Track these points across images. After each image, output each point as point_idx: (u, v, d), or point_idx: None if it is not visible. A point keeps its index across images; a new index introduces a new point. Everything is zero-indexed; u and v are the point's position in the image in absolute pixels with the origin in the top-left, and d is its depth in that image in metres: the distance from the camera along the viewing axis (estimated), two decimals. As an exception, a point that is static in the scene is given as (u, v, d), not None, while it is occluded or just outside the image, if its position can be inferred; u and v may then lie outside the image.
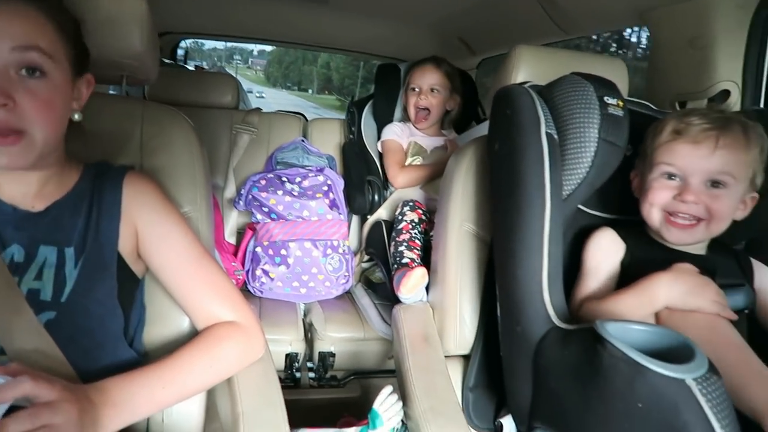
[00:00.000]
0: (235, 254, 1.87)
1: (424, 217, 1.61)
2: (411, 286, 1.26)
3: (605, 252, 0.95)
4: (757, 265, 0.96)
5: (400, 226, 1.57)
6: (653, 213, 0.91)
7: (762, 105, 1.16)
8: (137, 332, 0.90)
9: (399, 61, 2.10)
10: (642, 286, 0.85)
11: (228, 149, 2.02)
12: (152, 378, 0.74)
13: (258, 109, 2.14)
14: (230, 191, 1.99)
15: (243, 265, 1.82)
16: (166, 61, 2.88)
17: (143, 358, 0.86)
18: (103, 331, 0.78)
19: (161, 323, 0.94)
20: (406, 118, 1.94)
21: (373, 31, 2.39)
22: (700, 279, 0.85)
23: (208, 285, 0.86)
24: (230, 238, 1.98)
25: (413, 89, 1.84)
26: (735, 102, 1.14)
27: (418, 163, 1.83)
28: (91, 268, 0.78)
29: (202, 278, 0.86)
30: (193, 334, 0.85)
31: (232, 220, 1.98)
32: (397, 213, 1.65)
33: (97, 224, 0.80)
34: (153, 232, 0.84)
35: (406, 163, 1.83)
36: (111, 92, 1.84)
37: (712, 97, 1.16)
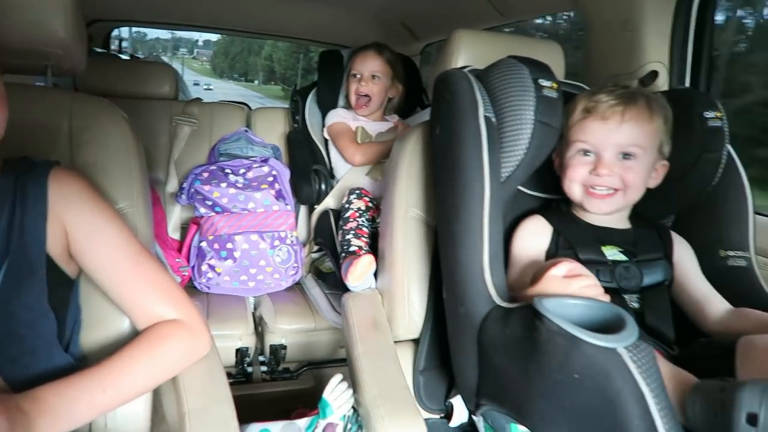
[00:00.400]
0: (180, 250, 1.81)
1: (371, 205, 1.60)
2: (358, 274, 1.26)
3: (530, 240, 0.98)
4: (677, 239, 1.01)
5: (347, 215, 1.56)
6: (574, 188, 0.96)
7: (688, 84, 1.21)
8: (73, 336, 0.86)
9: (343, 48, 2.08)
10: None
11: (168, 142, 1.95)
12: (91, 382, 0.72)
13: (198, 100, 2.07)
14: (172, 185, 1.92)
15: (188, 260, 1.76)
16: (98, 50, 2.74)
17: (81, 363, 0.83)
18: (34, 337, 0.75)
19: (99, 325, 0.90)
20: (349, 105, 1.92)
21: (316, 18, 2.36)
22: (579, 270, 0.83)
23: (147, 283, 0.83)
24: (174, 233, 1.92)
25: (354, 75, 1.82)
26: (663, 82, 1.19)
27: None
28: (17, 271, 0.73)
29: (140, 276, 0.83)
30: (134, 335, 0.82)
31: (175, 215, 1.92)
32: (343, 201, 1.64)
33: (22, 224, 0.75)
34: (83, 231, 0.80)
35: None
36: (37, 84, 1.74)
37: (642, 77, 1.21)
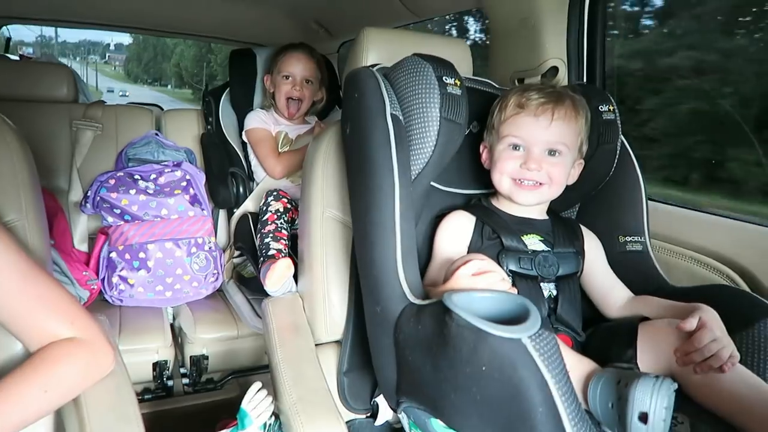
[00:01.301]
0: (88, 263, 1.70)
1: (289, 206, 1.57)
2: (276, 278, 1.23)
3: (451, 237, 1.01)
4: (587, 234, 1.08)
5: (264, 218, 1.53)
6: (503, 181, 0.99)
7: (585, 80, 1.28)
8: (-44, 364, 0.78)
9: (255, 46, 2.02)
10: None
11: (69, 148, 1.82)
12: None
13: (101, 102, 1.95)
14: (76, 194, 1.80)
15: (97, 273, 1.66)
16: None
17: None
18: None
19: (-13, 350, 0.83)
20: (267, 105, 1.87)
21: (228, 16, 2.28)
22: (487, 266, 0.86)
23: (39, 301, 0.77)
24: (81, 245, 1.80)
25: (286, 77, 1.75)
26: (563, 77, 1.25)
27: (300, 144, 1.77)
28: None
29: (31, 294, 0.76)
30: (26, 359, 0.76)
31: (81, 225, 1.81)
32: (261, 204, 1.60)
33: None
34: None
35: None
36: None
37: (544, 73, 1.26)
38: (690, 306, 0.86)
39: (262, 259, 1.42)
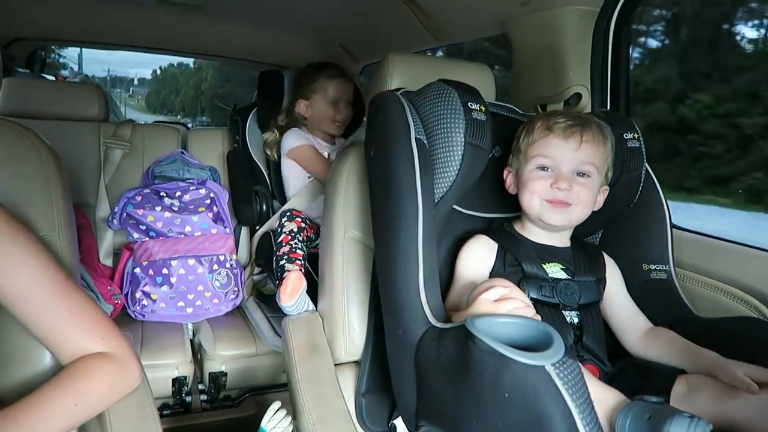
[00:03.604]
0: (112, 277, 1.73)
1: (303, 225, 1.59)
2: (289, 292, 1.22)
3: (473, 261, 1.01)
4: (609, 262, 1.07)
5: (279, 239, 1.54)
6: (534, 201, 0.98)
7: (609, 107, 1.28)
8: (-13, 374, 0.80)
9: (281, 68, 2.07)
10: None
11: (98, 165, 1.87)
12: (8, 424, 0.66)
13: (130, 121, 2.01)
14: (103, 210, 1.85)
15: (121, 288, 1.69)
16: (21, 71, 2.61)
17: (-2, 404, 0.77)
18: None
19: (18, 362, 0.84)
20: (300, 125, 1.88)
21: (254, 38, 2.34)
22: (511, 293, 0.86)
23: (71, 315, 0.79)
24: (106, 260, 1.84)
25: (336, 103, 1.79)
26: (586, 104, 1.25)
27: None
28: None
29: (64, 308, 0.78)
30: (56, 372, 0.77)
31: (107, 240, 1.84)
32: (276, 225, 1.62)
33: None
34: (0, 263, 0.75)
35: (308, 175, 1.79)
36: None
37: (567, 99, 1.27)
38: (712, 356, 0.87)
39: (278, 282, 1.43)
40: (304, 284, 1.24)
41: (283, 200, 1.86)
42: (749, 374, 0.80)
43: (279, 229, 1.57)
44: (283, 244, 1.52)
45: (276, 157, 1.88)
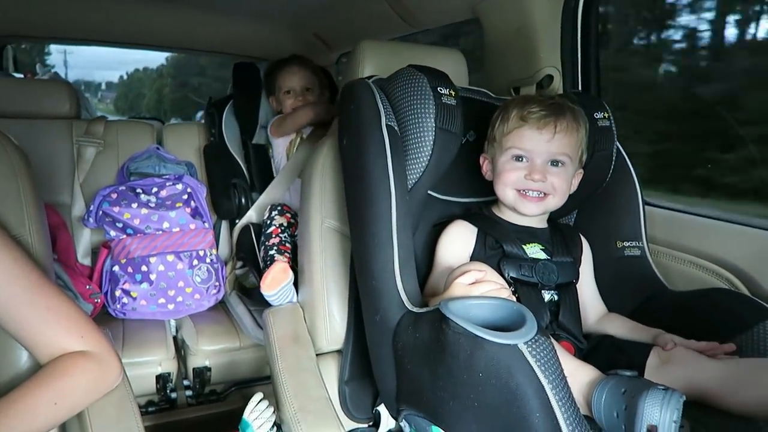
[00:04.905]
0: (91, 276, 1.71)
1: (293, 221, 1.59)
2: (270, 280, 1.21)
3: (452, 246, 1.01)
4: (585, 243, 1.09)
5: (269, 230, 1.54)
6: (507, 192, 1.00)
7: (580, 88, 1.29)
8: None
9: (256, 60, 2.05)
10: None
11: (71, 163, 1.84)
12: None
13: (103, 118, 1.97)
14: (79, 209, 1.82)
15: (100, 287, 1.67)
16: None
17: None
18: None
19: (-5, 363, 0.83)
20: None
21: (228, 31, 2.31)
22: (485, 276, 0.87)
23: (48, 312, 0.78)
24: (84, 259, 1.81)
25: (288, 92, 1.80)
26: (558, 86, 1.26)
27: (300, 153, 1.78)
28: None
29: (41, 305, 0.77)
30: (34, 371, 0.76)
31: (85, 239, 1.82)
32: (265, 217, 1.61)
33: None
34: None
35: (289, 156, 1.79)
36: None
37: (539, 81, 1.28)
38: (653, 331, 0.95)
39: (264, 268, 1.42)
40: (290, 276, 1.23)
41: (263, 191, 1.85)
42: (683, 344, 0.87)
43: (268, 222, 1.57)
44: (273, 236, 1.52)
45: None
